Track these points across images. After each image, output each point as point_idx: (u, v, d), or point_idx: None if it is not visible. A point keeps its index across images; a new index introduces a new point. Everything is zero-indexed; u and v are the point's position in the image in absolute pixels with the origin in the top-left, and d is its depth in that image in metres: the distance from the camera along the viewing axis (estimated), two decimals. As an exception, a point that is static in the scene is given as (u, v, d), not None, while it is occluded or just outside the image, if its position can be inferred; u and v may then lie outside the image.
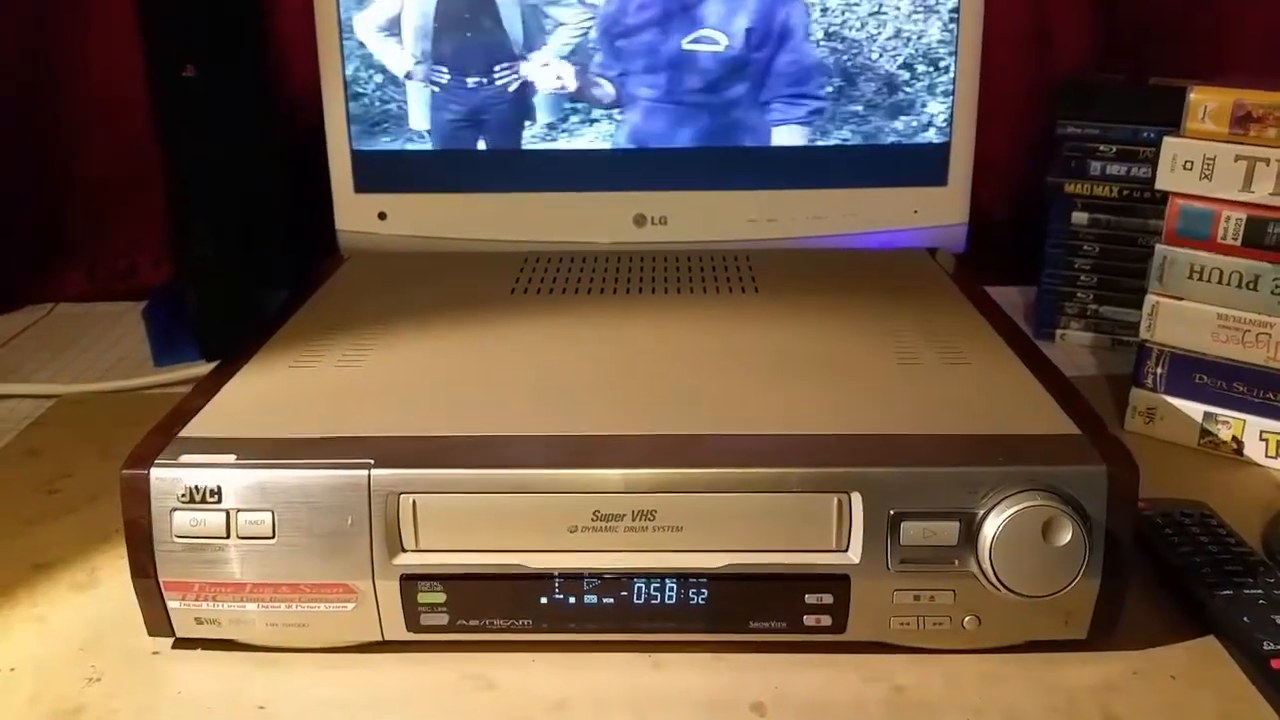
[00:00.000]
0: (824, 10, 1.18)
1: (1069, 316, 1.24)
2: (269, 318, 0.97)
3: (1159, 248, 0.97)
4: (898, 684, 0.69)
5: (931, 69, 1.19)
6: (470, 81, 1.20)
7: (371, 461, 0.69)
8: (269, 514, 0.69)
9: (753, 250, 1.16)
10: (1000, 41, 1.26)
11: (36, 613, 0.78)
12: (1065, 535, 0.66)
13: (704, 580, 0.70)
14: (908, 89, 1.20)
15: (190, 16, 1.12)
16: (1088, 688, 0.69)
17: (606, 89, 1.19)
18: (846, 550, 0.69)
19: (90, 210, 1.41)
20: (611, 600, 0.70)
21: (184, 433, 0.74)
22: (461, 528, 0.70)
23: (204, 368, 1.15)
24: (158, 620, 0.72)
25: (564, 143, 1.22)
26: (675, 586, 0.70)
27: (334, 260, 1.16)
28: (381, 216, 1.23)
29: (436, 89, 1.20)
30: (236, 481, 0.69)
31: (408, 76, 1.20)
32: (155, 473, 0.69)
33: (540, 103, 1.21)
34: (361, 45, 1.19)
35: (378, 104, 1.20)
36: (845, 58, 1.19)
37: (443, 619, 0.71)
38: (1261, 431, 0.95)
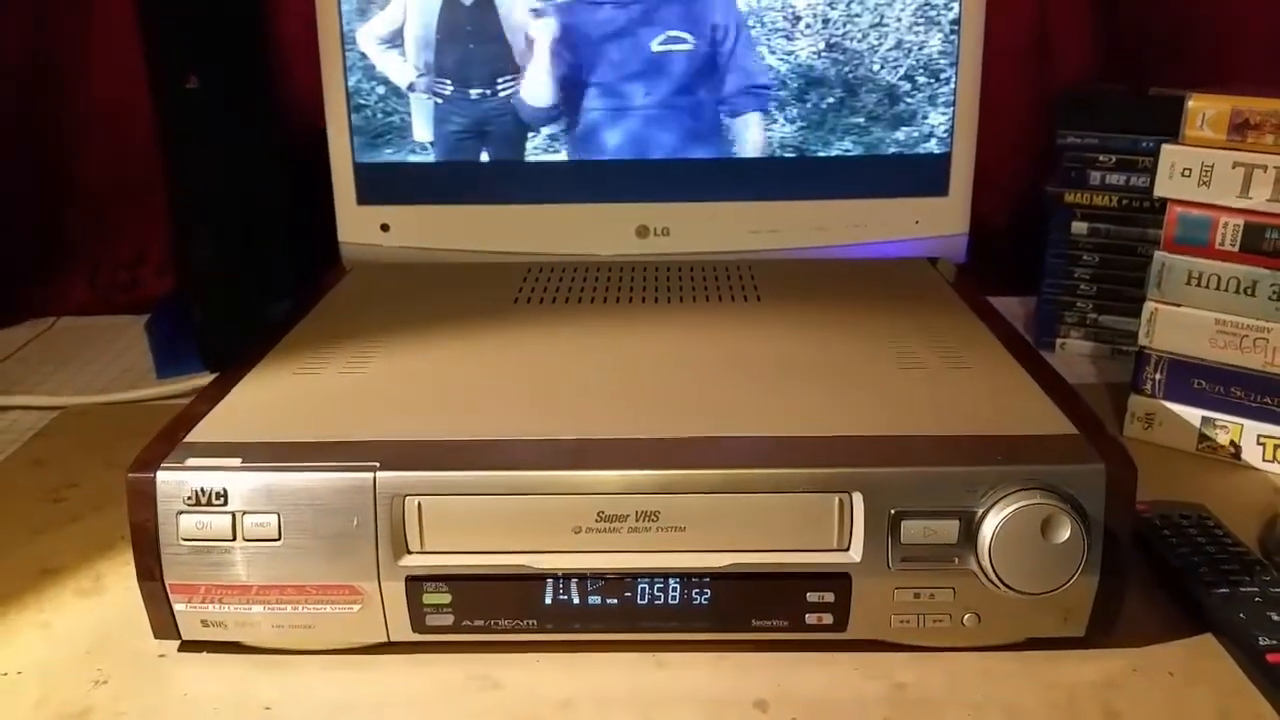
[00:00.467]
0: (825, 22, 1.19)
1: (1069, 326, 1.24)
2: (272, 327, 0.97)
3: (1157, 254, 0.97)
4: (899, 681, 0.70)
5: (932, 80, 1.20)
6: (473, 93, 1.20)
7: (377, 464, 0.69)
8: (275, 516, 0.69)
9: (755, 260, 1.16)
10: (1000, 53, 1.27)
11: (43, 618, 0.78)
12: (1064, 533, 0.66)
13: (707, 580, 0.70)
14: (909, 100, 1.21)
15: (191, 26, 1.13)
16: (1088, 684, 0.69)
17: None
18: (848, 549, 0.69)
19: (91, 217, 1.42)
20: (615, 600, 0.71)
21: (190, 437, 0.74)
22: (466, 529, 0.70)
23: (206, 379, 1.14)
24: (164, 623, 0.72)
25: (565, 154, 1.23)
26: (678, 586, 0.70)
27: (336, 271, 1.17)
28: (384, 228, 1.23)
29: (439, 101, 1.21)
30: (242, 484, 0.70)
31: (410, 88, 1.20)
32: (161, 476, 0.70)
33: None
34: (364, 57, 1.20)
35: (380, 116, 1.21)
36: (847, 69, 1.20)
37: (448, 620, 0.71)
38: (1259, 436, 0.96)
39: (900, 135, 1.22)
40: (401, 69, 1.20)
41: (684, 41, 1.19)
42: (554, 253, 1.21)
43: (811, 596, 0.70)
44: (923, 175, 1.23)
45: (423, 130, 1.22)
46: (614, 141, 1.22)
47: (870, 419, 0.76)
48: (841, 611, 0.70)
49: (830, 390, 0.81)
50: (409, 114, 1.21)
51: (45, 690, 0.71)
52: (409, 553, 0.70)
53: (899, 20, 1.19)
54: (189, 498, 0.69)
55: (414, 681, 0.71)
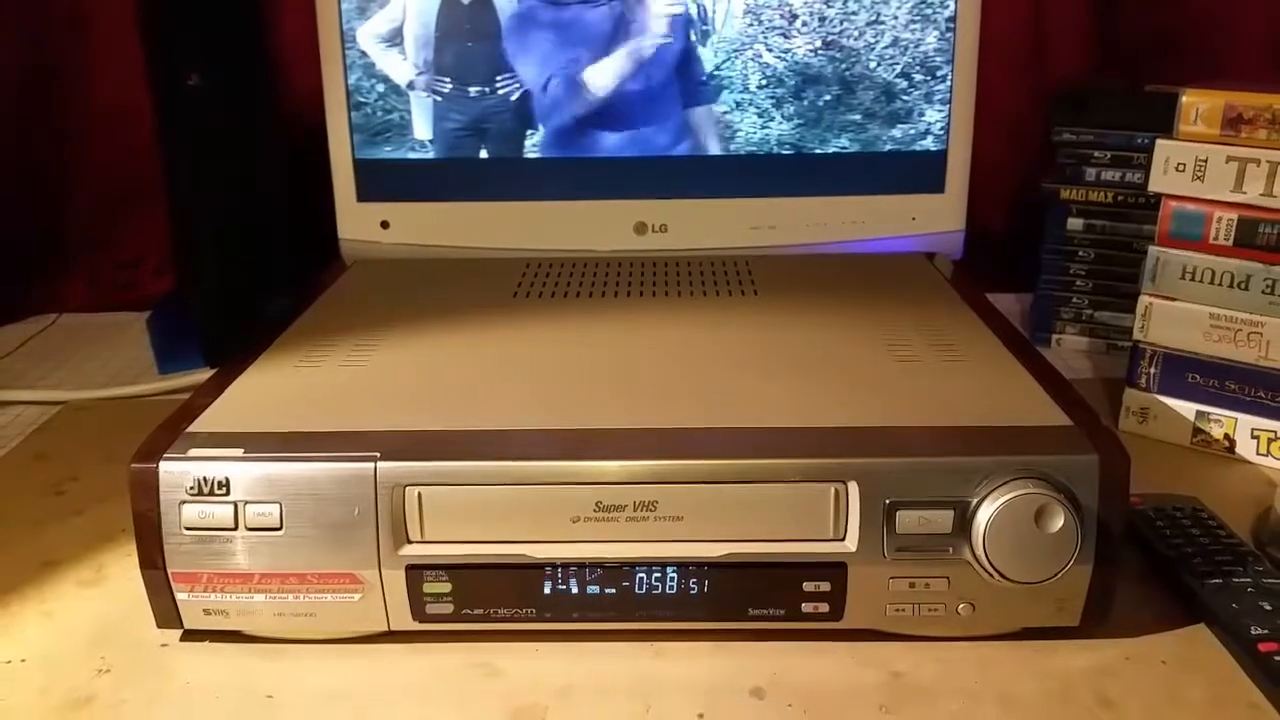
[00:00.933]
0: (822, 20, 1.19)
1: (1065, 321, 1.25)
2: (273, 322, 0.98)
3: (1152, 249, 0.98)
4: (895, 669, 0.70)
5: (929, 77, 1.21)
6: (472, 91, 1.21)
7: (378, 454, 0.70)
8: (277, 506, 0.70)
9: (753, 256, 1.17)
10: (996, 50, 1.28)
11: (45, 608, 0.79)
12: (1057, 522, 0.67)
13: (704, 569, 0.71)
14: (905, 97, 1.22)
15: (192, 23, 1.13)
16: (1081, 672, 0.70)
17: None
18: (843, 539, 0.70)
19: (91, 218, 1.42)
20: (614, 589, 0.71)
21: (192, 428, 0.75)
22: (466, 519, 0.71)
23: (207, 374, 1.15)
24: (166, 612, 0.73)
25: (563, 151, 1.23)
26: (676, 575, 0.71)
27: (336, 267, 1.18)
28: (384, 225, 1.24)
29: (439, 99, 1.21)
30: (245, 474, 0.70)
31: (410, 86, 1.21)
32: (164, 466, 0.70)
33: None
34: (364, 55, 1.20)
35: (380, 113, 1.22)
36: (843, 66, 1.21)
37: (448, 608, 0.72)
38: (1253, 429, 0.96)
39: (897, 132, 1.22)
40: (401, 67, 1.21)
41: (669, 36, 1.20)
42: (553, 249, 1.22)
43: (808, 586, 0.71)
44: (920, 172, 1.24)
45: (422, 128, 1.23)
46: (612, 139, 1.23)
47: (866, 411, 0.76)
48: (837, 601, 0.71)
49: (826, 383, 0.81)
50: (408, 111, 1.22)
51: (49, 678, 0.71)
52: (409, 542, 0.71)
53: (895, 18, 1.19)
54: (192, 488, 0.70)
55: (414, 670, 0.72)
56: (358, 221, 1.24)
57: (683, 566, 0.71)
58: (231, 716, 0.68)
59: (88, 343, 1.32)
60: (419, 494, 0.70)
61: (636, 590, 0.71)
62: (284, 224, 1.26)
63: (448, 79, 1.21)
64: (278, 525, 0.70)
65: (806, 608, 0.71)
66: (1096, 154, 1.19)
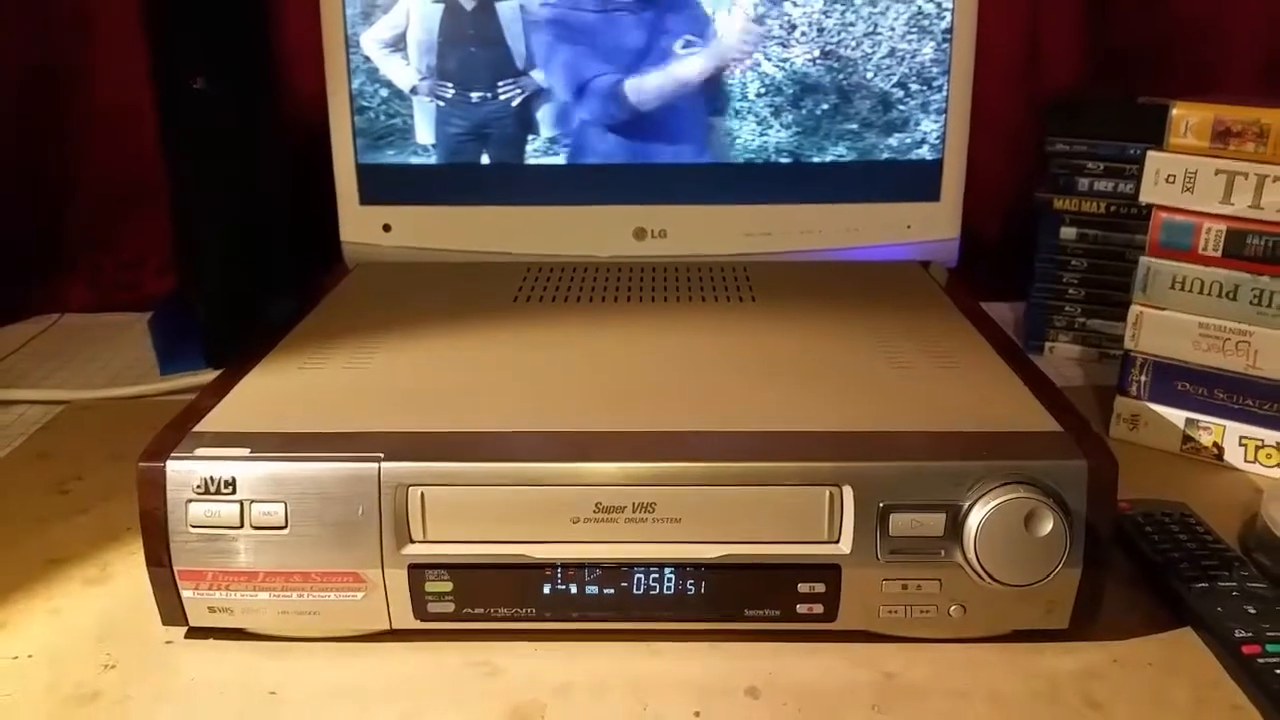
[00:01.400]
0: (820, 30, 1.20)
1: (1058, 329, 1.26)
2: (276, 324, 0.98)
3: (1143, 259, 0.99)
4: (887, 670, 0.72)
5: (925, 88, 1.22)
6: (474, 96, 1.22)
7: (381, 455, 0.71)
8: (282, 505, 0.71)
9: (750, 262, 1.18)
10: (992, 61, 1.29)
11: (51, 605, 0.80)
12: (1046, 526, 0.68)
13: (701, 570, 0.72)
14: (901, 107, 1.23)
15: (197, 26, 1.14)
16: (1069, 674, 0.71)
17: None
18: (838, 541, 0.71)
19: (93, 219, 1.43)
20: (612, 590, 0.72)
21: (199, 428, 0.76)
22: (468, 519, 0.72)
23: (209, 375, 1.15)
24: (172, 609, 0.74)
25: (564, 157, 1.24)
26: (673, 576, 0.72)
27: (338, 270, 1.18)
28: (386, 228, 1.25)
29: (441, 103, 1.22)
30: (251, 474, 0.71)
31: (413, 91, 1.22)
32: (171, 465, 0.71)
33: (543, 117, 1.24)
34: (367, 60, 1.21)
35: (383, 118, 1.23)
36: (841, 76, 1.22)
37: (449, 607, 0.73)
38: (1241, 437, 0.98)
39: (893, 141, 1.23)
40: (404, 72, 1.22)
41: (697, 45, 1.21)
42: (553, 254, 1.23)
43: (802, 587, 0.72)
44: (915, 181, 1.25)
45: (424, 132, 1.24)
46: (612, 145, 1.24)
47: (861, 415, 0.78)
48: (832, 602, 0.72)
49: (822, 388, 0.83)
50: (411, 116, 1.23)
51: (55, 674, 0.72)
52: (412, 542, 0.72)
53: (892, 29, 1.20)
54: (198, 486, 0.71)
55: (416, 668, 0.73)
56: (360, 225, 1.25)
57: (680, 567, 0.72)
58: (235, 713, 0.69)
59: (89, 343, 1.33)
60: (422, 494, 0.71)
61: (634, 591, 0.72)
62: (285, 225, 1.27)
63: (450, 84, 1.22)
64: (282, 524, 0.71)
65: (801, 609, 0.72)
66: (1089, 164, 1.20)
